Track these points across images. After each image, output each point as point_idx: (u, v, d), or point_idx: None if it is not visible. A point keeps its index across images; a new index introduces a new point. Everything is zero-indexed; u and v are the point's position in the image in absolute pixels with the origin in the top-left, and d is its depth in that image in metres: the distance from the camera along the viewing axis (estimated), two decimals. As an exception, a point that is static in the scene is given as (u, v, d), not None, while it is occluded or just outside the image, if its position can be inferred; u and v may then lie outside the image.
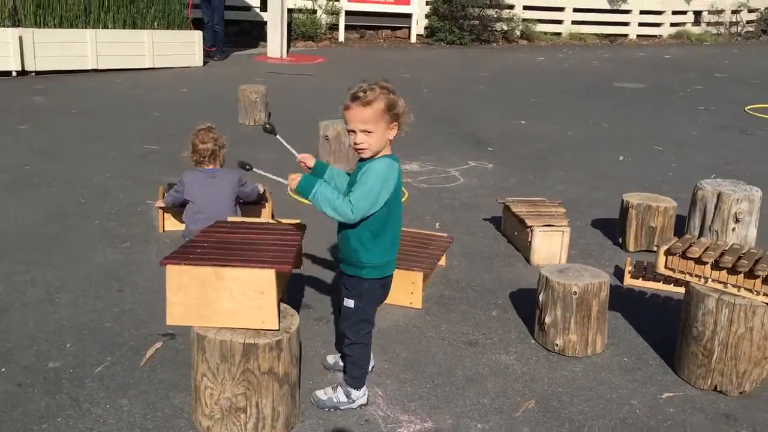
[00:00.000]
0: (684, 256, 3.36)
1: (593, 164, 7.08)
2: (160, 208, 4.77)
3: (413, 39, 15.61)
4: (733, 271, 3.24)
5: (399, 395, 3.20)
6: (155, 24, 11.05)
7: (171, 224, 4.87)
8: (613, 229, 5.24)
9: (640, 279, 4.43)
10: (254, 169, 3.01)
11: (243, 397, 2.75)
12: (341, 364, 3.27)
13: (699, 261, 3.32)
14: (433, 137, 7.86)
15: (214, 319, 2.76)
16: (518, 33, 16.04)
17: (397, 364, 3.44)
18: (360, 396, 3.07)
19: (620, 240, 5.05)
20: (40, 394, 3.06)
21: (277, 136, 3.21)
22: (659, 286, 4.38)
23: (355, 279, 2.96)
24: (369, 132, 2.80)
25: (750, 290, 3.22)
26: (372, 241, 2.90)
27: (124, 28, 10.70)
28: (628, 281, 4.44)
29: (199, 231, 4.35)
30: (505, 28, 15.85)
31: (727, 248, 3.39)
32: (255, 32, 15.03)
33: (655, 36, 17.82)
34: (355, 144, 2.85)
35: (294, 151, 3.16)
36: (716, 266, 3.28)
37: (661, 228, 4.90)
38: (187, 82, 10.35)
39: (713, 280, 3.30)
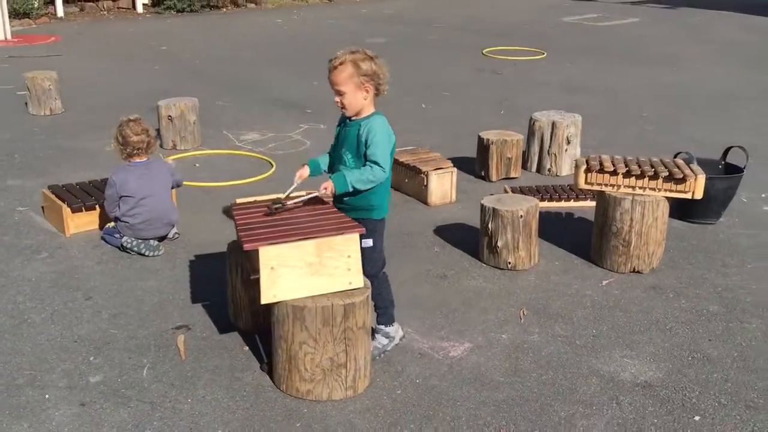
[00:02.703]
0: (601, 170, 4.22)
1: (406, 114, 7.78)
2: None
3: (139, 9, 14.93)
4: (639, 176, 4.17)
5: (426, 329, 3.63)
6: None
7: (75, 226, 4.57)
8: (466, 165, 6.04)
9: (522, 201, 5.28)
10: (288, 203, 3.22)
11: (344, 353, 2.98)
12: None
13: (613, 173, 4.20)
14: (247, 105, 7.98)
15: (306, 290, 2.93)
16: (245, -3, 16.16)
17: (403, 308, 3.80)
18: (396, 330, 3.45)
19: (483, 173, 5.85)
20: (112, 407, 2.95)
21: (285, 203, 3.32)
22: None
23: (370, 222, 3.28)
24: (342, 92, 3.20)
25: (654, 189, 4.18)
26: (379, 186, 3.24)
27: None
28: (514, 205, 5.26)
29: (140, 225, 4.25)
30: (231, -8, 15.86)
31: (626, 160, 4.32)
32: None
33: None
34: (336, 102, 3.25)
35: (293, 188, 3.35)
36: (627, 175, 4.19)
37: (515, 157, 5.81)
38: None
39: (625, 186, 4.21)
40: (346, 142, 3.26)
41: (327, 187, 3.16)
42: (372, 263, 3.33)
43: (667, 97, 8.68)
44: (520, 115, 7.73)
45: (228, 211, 4.89)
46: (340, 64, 3.18)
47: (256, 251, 2.89)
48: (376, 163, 3.15)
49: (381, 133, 3.19)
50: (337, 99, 3.22)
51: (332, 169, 3.37)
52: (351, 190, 3.16)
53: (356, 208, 3.28)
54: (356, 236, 2.98)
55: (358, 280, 3.01)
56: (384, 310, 3.42)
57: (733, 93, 8.92)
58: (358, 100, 3.20)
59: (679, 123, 7.58)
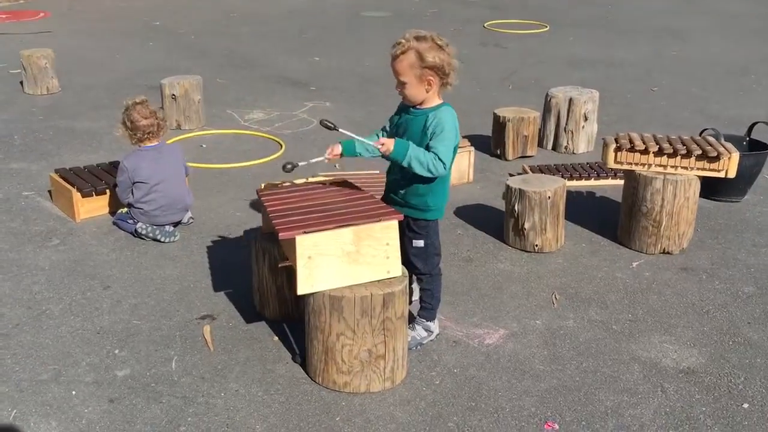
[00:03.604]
0: (631, 149, 4.10)
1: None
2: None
3: (130, -17, 14.57)
4: (671, 155, 4.05)
5: (458, 316, 3.52)
6: None
7: (85, 212, 4.41)
8: (479, 143, 5.89)
9: (541, 180, 5.16)
10: (340, 129, 2.94)
11: (382, 345, 2.87)
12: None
13: (644, 151, 4.08)
14: (248, 83, 7.78)
15: (344, 279, 2.81)
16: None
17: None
18: (436, 327, 3.33)
19: (498, 151, 5.72)
20: (144, 402, 2.83)
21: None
22: (558, 183, 5.15)
23: (422, 221, 3.14)
24: (403, 82, 2.98)
25: (686, 168, 4.07)
26: (438, 186, 3.08)
27: None
28: (533, 184, 5.14)
29: (155, 212, 4.10)
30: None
31: (656, 138, 4.19)
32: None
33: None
34: (397, 90, 3.04)
35: (322, 158, 3.15)
36: (659, 153, 4.07)
37: (532, 135, 5.67)
38: None
39: (656, 165, 4.09)
40: (408, 132, 3.03)
41: (385, 144, 2.91)
42: (424, 261, 3.20)
43: (676, 71, 8.54)
44: (528, 90, 7.60)
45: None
46: (402, 52, 2.92)
47: (291, 240, 2.76)
48: (436, 156, 2.92)
49: (449, 128, 2.96)
50: (397, 89, 3.00)
51: (390, 167, 3.15)
52: (405, 165, 2.91)
53: (411, 207, 3.10)
54: (395, 223, 2.84)
55: (396, 268, 2.89)
56: (430, 306, 3.29)
57: (743, 66, 8.80)
58: (421, 92, 2.98)
59: (692, 97, 7.46)
